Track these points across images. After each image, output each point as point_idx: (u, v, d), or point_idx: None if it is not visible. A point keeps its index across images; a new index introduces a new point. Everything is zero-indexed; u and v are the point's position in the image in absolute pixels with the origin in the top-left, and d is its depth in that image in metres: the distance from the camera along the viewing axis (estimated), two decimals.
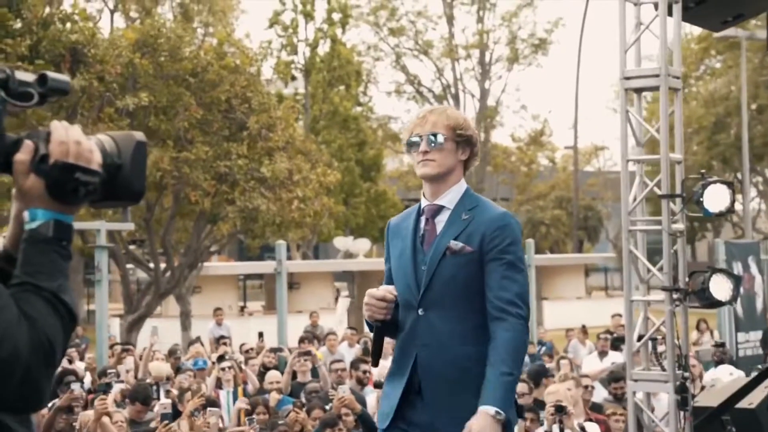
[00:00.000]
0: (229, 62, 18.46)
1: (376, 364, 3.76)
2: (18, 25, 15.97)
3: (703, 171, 6.67)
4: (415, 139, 3.65)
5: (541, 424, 7.31)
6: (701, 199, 6.35)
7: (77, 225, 13.30)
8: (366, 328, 4.02)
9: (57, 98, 1.91)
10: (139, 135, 2.01)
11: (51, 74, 1.89)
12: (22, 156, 1.86)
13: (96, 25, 18.83)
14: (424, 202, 3.72)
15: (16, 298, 1.78)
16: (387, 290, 3.59)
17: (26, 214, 1.88)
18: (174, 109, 17.70)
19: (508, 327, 3.40)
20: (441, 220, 3.65)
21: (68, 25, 16.75)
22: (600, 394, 9.95)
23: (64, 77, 1.91)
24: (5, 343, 1.70)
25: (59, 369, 10.67)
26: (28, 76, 1.86)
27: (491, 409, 3.27)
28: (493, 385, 3.33)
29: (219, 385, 10.05)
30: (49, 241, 1.86)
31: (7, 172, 1.87)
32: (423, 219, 3.70)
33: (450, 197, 3.66)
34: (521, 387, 8.24)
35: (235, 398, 9.63)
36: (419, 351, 3.55)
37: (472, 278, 3.53)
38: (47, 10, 16.67)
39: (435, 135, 3.62)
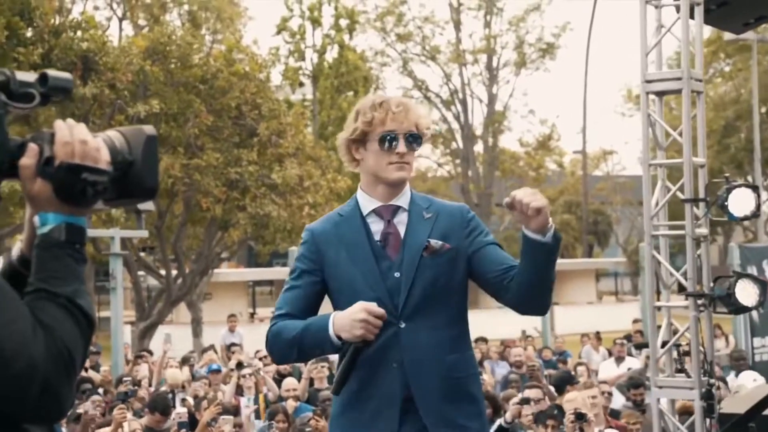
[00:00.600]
0: (239, 69, 18.48)
1: (339, 392, 3.17)
2: (30, 33, 16.00)
3: (727, 175, 6.61)
4: (391, 137, 3.23)
5: None
6: (726, 204, 6.28)
7: (90, 233, 13.37)
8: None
9: (60, 98, 1.84)
10: (150, 129, 1.95)
11: (52, 72, 1.82)
12: (27, 160, 1.80)
13: (105, 33, 18.82)
14: (371, 204, 3.30)
15: (31, 306, 1.74)
16: (375, 305, 3.05)
17: (37, 219, 1.83)
18: (184, 115, 17.72)
19: None
20: (401, 221, 3.30)
21: (79, 33, 16.78)
22: (617, 401, 9.89)
23: (66, 75, 1.85)
24: (21, 355, 1.66)
25: None
26: (29, 76, 1.80)
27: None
28: None
29: (239, 392, 10.02)
30: (62, 245, 1.81)
31: (13, 177, 1.81)
32: (377, 221, 3.29)
33: (404, 198, 3.32)
34: (535, 393, 8.18)
35: (256, 404, 9.60)
36: (406, 367, 3.16)
37: (453, 279, 3.24)
38: (58, 18, 16.69)
39: (416, 137, 3.27)
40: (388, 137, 3.23)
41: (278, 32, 36.17)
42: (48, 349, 1.70)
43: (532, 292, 3.15)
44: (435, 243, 3.21)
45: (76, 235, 1.83)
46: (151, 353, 13.53)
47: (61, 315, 1.76)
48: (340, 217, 3.34)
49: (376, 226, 3.29)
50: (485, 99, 40.67)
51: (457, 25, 40.40)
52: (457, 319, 3.27)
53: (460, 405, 3.22)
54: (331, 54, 36.41)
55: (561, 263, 35.78)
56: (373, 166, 3.28)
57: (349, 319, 3.03)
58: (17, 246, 2.01)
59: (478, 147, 41.10)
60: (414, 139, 3.26)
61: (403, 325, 3.17)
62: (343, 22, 36.67)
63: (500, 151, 41.16)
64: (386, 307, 3.09)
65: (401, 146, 3.23)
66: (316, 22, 36.25)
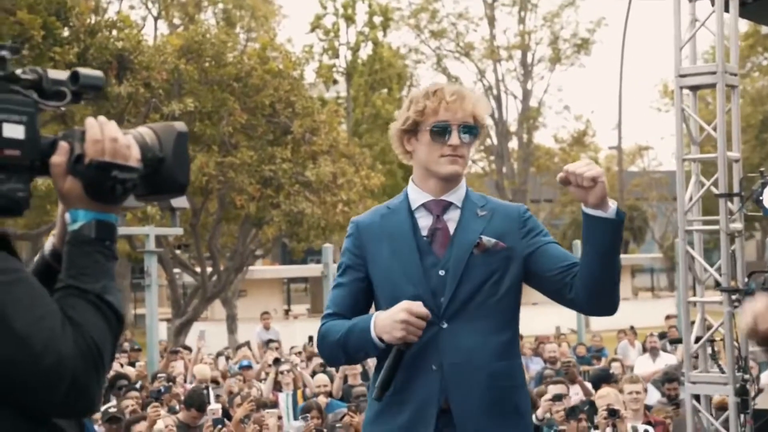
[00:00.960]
0: (273, 67, 18.56)
1: (382, 397, 2.97)
2: (66, 33, 16.18)
3: (762, 169, 6.53)
4: (443, 126, 3.03)
5: (596, 428, 7.22)
6: (761, 198, 6.22)
7: (125, 230, 13.53)
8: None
9: (92, 95, 1.86)
10: (180, 125, 1.95)
11: (83, 70, 1.84)
12: (58, 158, 1.82)
13: (140, 32, 19.00)
14: (422, 198, 3.11)
15: (61, 303, 1.76)
16: (420, 305, 2.89)
17: (68, 216, 1.85)
18: (218, 114, 17.83)
19: None
20: (451, 219, 3.09)
21: (114, 32, 16.95)
22: (652, 397, 9.84)
23: (97, 73, 1.87)
24: (49, 351, 1.68)
25: (111, 373, 10.83)
26: (61, 74, 1.82)
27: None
28: None
29: (278, 387, 10.09)
30: (92, 242, 1.82)
31: (45, 174, 1.83)
32: (425, 216, 3.10)
33: (458, 194, 3.11)
34: (560, 388, 8.15)
35: (295, 401, 9.66)
36: (445, 372, 2.94)
37: (505, 280, 3.02)
38: (93, 18, 16.87)
39: (471, 129, 3.06)
40: (441, 128, 3.02)
41: (312, 30, 36.26)
42: (77, 346, 1.72)
43: (598, 286, 2.91)
44: (487, 240, 3.01)
45: (106, 232, 1.85)
46: (189, 349, 13.65)
47: (90, 311, 1.78)
48: (388, 210, 3.17)
49: (425, 221, 3.09)
50: (520, 95, 40.51)
51: (491, 21, 40.26)
52: (506, 324, 3.04)
53: (502, 419, 2.97)
54: (365, 51, 36.46)
55: None
56: (425, 159, 3.08)
57: (390, 320, 2.87)
58: (50, 241, 2.04)
59: (513, 143, 40.96)
60: (469, 130, 3.05)
61: (445, 326, 2.97)
62: (377, 19, 36.69)
63: (535, 148, 40.98)
64: (428, 306, 2.90)
65: (454, 138, 3.02)
66: (349, 20, 36.29)
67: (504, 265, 3.02)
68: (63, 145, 1.83)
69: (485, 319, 2.98)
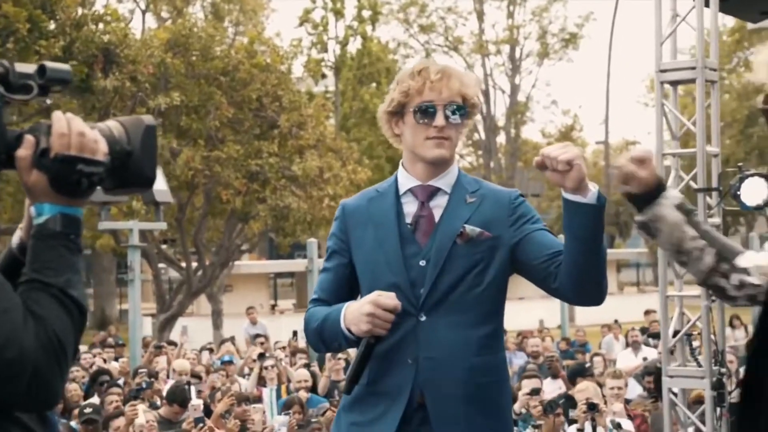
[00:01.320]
0: (260, 61, 18.52)
1: (350, 391, 2.89)
2: (52, 26, 16.11)
3: (740, 164, 6.56)
4: (429, 109, 2.88)
5: (573, 422, 7.24)
6: (738, 193, 6.25)
7: (109, 225, 13.47)
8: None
9: (59, 89, 1.87)
10: (148, 119, 1.96)
11: (50, 64, 1.84)
12: (23, 152, 1.83)
13: (128, 25, 18.92)
14: (409, 182, 2.98)
15: (24, 297, 1.77)
16: (391, 297, 2.76)
17: (33, 210, 1.86)
18: (205, 108, 17.79)
19: None
20: (438, 205, 2.94)
21: (101, 25, 16.88)
22: (634, 391, 9.89)
23: (65, 66, 1.87)
24: (11, 345, 1.69)
25: (94, 369, 10.80)
26: (28, 68, 1.82)
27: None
28: None
29: (262, 382, 10.09)
30: (57, 236, 1.83)
31: (11, 167, 1.84)
32: (411, 201, 2.96)
33: (447, 179, 2.97)
34: (535, 382, 8.17)
35: (278, 396, 9.67)
36: (420, 366, 2.83)
37: (490, 271, 2.87)
38: (80, 11, 16.79)
39: (458, 109, 2.90)
40: (425, 109, 2.88)
41: (301, 24, 36.19)
42: (38, 339, 1.73)
43: (582, 274, 2.75)
44: (471, 230, 2.85)
45: (71, 226, 1.86)
46: (174, 345, 13.64)
47: (53, 305, 1.79)
48: (377, 194, 3.03)
49: (410, 207, 2.96)
50: (508, 90, 40.57)
51: (480, 16, 40.27)
52: (490, 317, 2.90)
53: (478, 415, 2.85)
54: (354, 45, 36.44)
55: None
56: (411, 142, 2.94)
57: (357, 312, 2.77)
58: (17, 234, 2.05)
59: (501, 138, 41.01)
60: (456, 110, 2.89)
61: (423, 318, 2.84)
62: (366, 14, 36.66)
63: (522, 142, 41.03)
64: (406, 297, 2.81)
65: (439, 119, 2.86)
66: (338, 14, 36.24)
67: (489, 255, 2.87)
68: (29, 138, 1.84)
69: (466, 311, 2.85)
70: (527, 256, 2.87)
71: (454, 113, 2.89)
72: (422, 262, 2.87)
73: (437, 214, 2.93)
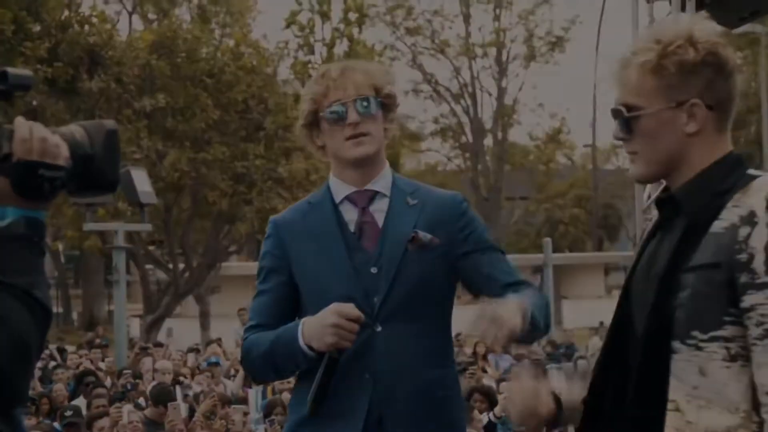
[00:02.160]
0: (246, 63, 18.56)
1: (317, 411, 2.65)
2: (37, 28, 16.11)
3: None
4: (338, 108, 2.72)
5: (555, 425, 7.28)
6: None
7: (95, 227, 13.48)
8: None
9: (22, 94, 1.92)
10: (110, 123, 2.00)
11: (12, 70, 1.88)
12: None
13: (114, 27, 18.94)
14: (344, 190, 2.80)
15: None
16: (352, 307, 2.60)
17: None
18: (191, 110, 17.81)
19: (535, 292, 2.72)
20: (379, 209, 2.79)
21: (86, 27, 16.89)
22: None
23: (26, 72, 1.92)
24: None
25: (80, 370, 10.80)
26: None
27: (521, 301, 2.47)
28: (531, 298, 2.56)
29: (248, 384, 10.11)
30: (20, 238, 1.86)
31: None
32: (351, 209, 2.79)
33: (383, 182, 2.81)
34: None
35: (264, 396, 9.68)
36: (377, 380, 2.66)
37: (441, 280, 2.75)
38: (66, 13, 16.80)
39: (367, 100, 2.74)
40: (334, 109, 2.73)
41: (287, 26, 36.19)
42: (0, 339, 1.77)
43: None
44: (423, 235, 2.69)
45: (34, 229, 1.88)
46: (161, 346, 13.66)
47: (16, 306, 1.81)
48: (309, 206, 2.85)
49: (350, 215, 2.78)
50: (495, 92, 40.62)
51: (467, 19, 40.35)
52: (441, 328, 2.79)
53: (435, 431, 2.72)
54: (341, 48, 36.40)
55: (570, 257, 35.79)
56: (332, 148, 2.78)
57: (319, 325, 2.58)
58: None
59: (488, 141, 41.06)
60: (367, 102, 2.74)
61: (379, 329, 2.68)
62: (353, 16, 36.66)
63: (510, 145, 41.11)
64: (360, 308, 2.61)
65: (351, 115, 2.71)
66: (325, 16, 36.25)
67: (440, 262, 2.73)
68: None
69: (421, 321, 2.70)
70: (470, 280, 2.78)
71: (366, 107, 2.74)
72: (374, 269, 2.72)
73: (380, 219, 2.78)
